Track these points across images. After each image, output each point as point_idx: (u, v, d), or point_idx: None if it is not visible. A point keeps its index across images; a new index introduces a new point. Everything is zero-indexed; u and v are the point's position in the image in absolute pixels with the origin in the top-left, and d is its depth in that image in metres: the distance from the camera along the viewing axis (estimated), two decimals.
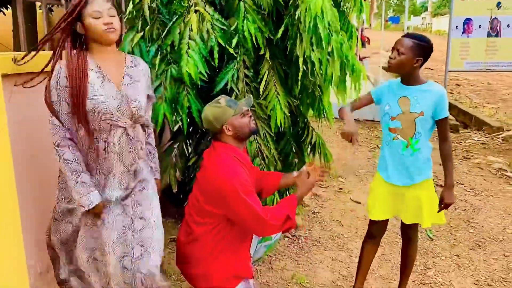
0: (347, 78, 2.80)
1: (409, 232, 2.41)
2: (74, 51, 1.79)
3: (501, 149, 5.94)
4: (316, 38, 2.57)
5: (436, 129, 2.22)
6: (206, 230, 2.03)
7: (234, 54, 2.57)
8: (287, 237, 3.28)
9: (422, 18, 52.11)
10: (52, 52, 1.80)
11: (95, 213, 1.83)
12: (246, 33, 2.49)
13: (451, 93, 10.70)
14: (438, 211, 2.22)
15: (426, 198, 2.24)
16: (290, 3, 2.69)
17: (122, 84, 1.84)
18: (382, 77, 9.39)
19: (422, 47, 2.08)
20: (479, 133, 6.83)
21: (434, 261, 3.07)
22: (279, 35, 2.74)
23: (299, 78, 2.82)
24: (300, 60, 2.69)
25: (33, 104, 1.96)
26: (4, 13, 8.85)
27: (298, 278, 2.77)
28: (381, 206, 2.32)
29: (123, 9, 2.98)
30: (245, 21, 2.51)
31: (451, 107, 8.38)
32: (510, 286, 2.78)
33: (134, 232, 1.89)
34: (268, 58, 2.86)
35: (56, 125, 1.77)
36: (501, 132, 6.68)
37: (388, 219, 2.41)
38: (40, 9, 8.11)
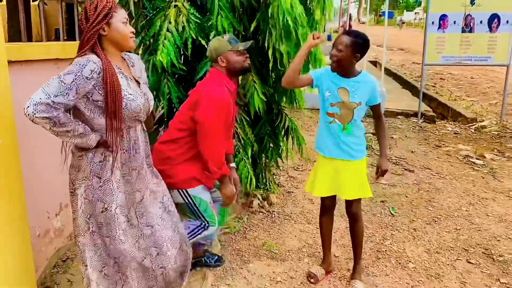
0: (310, 66, 3.13)
1: (354, 208, 2.62)
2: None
3: (472, 139, 6.32)
4: (285, 31, 2.90)
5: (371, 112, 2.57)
6: (184, 135, 2.39)
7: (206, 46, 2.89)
8: (262, 212, 3.63)
9: (415, 13, 52.47)
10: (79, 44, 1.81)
11: (106, 145, 1.81)
12: (219, 28, 2.81)
13: (434, 86, 11.07)
14: (377, 178, 2.55)
15: (365, 173, 2.57)
16: (261, 1, 3.02)
17: (140, 84, 1.97)
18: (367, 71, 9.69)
19: (359, 44, 2.28)
20: (454, 124, 7.21)
21: (392, 233, 3.43)
22: (251, 29, 3.06)
23: (270, 68, 3.15)
24: (270, 52, 3.02)
25: None
26: (46, 4, 9.05)
27: (268, 245, 3.12)
28: (322, 183, 2.58)
29: None
30: (218, 17, 2.83)
31: (431, 99, 8.76)
32: (456, 253, 3.14)
33: (180, 224, 2.16)
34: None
35: (66, 86, 1.65)
36: (474, 123, 7.06)
37: (335, 196, 2.66)
38: (33, 0, 8.35)
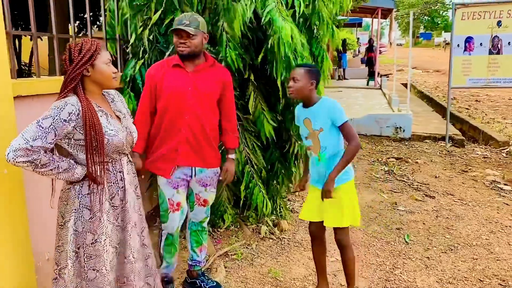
0: None
1: (337, 236, 2.61)
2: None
3: (502, 163, 6.10)
4: (285, 62, 2.98)
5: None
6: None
7: None
8: (272, 239, 3.64)
9: None
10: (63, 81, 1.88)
11: (91, 178, 1.86)
12: (228, 59, 2.92)
13: (468, 108, 10.79)
14: (322, 199, 2.49)
15: (347, 200, 2.54)
16: (268, 33, 3.12)
17: (121, 118, 2.02)
18: (396, 95, 9.59)
19: (312, 72, 2.47)
20: (485, 148, 6.98)
21: (404, 262, 3.34)
22: (259, 60, 3.16)
23: (281, 96, 3.22)
24: (278, 81, 3.09)
25: None
26: (41, 39, 9.69)
27: (274, 272, 3.12)
28: (308, 208, 2.66)
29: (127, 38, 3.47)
30: (227, 49, 2.94)
31: (463, 122, 8.54)
32: (470, 284, 3.03)
33: (152, 259, 2.21)
34: (252, 80, 3.28)
35: (44, 130, 1.73)
36: (506, 147, 6.81)
37: (322, 222, 2.64)
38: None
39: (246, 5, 2.86)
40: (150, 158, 2.62)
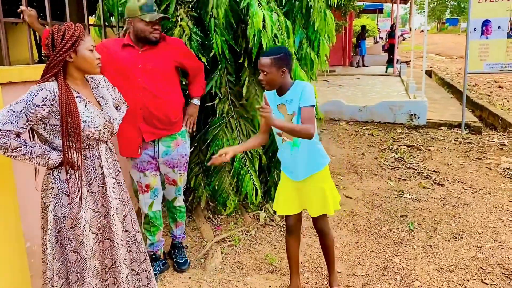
0: None
1: (319, 225, 2.57)
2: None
3: None
4: (258, 49, 2.93)
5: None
6: None
7: (205, 63, 2.98)
8: (272, 225, 3.63)
9: None
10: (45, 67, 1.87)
11: (68, 164, 1.87)
12: (214, 45, 2.89)
13: (489, 95, 10.47)
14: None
15: (327, 187, 2.47)
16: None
17: (101, 105, 2.02)
18: (413, 82, 9.38)
19: (280, 59, 2.23)
20: (503, 135, 6.76)
21: (405, 249, 3.28)
22: (243, 46, 3.13)
23: None
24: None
25: None
26: None
27: (270, 258, 3.12)
28: (285, 202, 2.55)
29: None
30: (214, 34, 2.92)
31: (482, 109, 8.30)
32: (471, 272, 2.95)
33: (137, 244, 2.23)
34: (246, 66, 3.25)
35: (15, 114, 1.73)
36: None
37: (300, 213, 2.62)
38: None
39: None
40: (119, 145, 2.74)
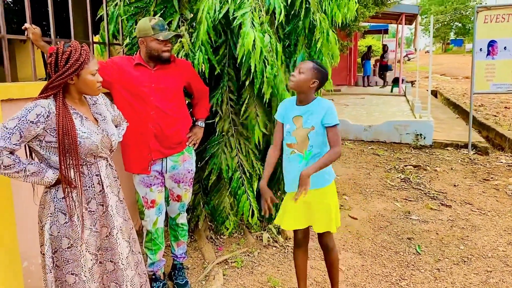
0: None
1: (324, 241, 2.55)
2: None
3: None
4: (247, 69, 2.91)
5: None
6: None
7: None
8: (275, 246, 3.55)
9: None
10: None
11: (66, 182, 1.82)
12: (195, 61, 2.87)
13: (496, 116, 10.39)
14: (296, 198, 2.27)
15: (333, 204, 2.44)
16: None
17: (99, 121, 1.98)
18: (419, 102, 9.33)
19: (320, 72, 2.32)
20: (511, 156, 6.67)
21: (412, 273, 3.19)
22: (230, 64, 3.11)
23: (266, 100, 3.11)
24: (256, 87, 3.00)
25: None
26: None
27: (273, 281, 3.03)
28: (291, 216, 2.49)
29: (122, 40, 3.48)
30: (197, 51, 2.88)
31: (489, 129, 8.22)
32: None
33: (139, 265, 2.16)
34: (247, 85, 3.20)
35: (8, 131, 1.71)
36: None
37: (308, 228, 2.58)
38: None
39: (214, 5, 2.79)
40: (126, 161, 2.73)
